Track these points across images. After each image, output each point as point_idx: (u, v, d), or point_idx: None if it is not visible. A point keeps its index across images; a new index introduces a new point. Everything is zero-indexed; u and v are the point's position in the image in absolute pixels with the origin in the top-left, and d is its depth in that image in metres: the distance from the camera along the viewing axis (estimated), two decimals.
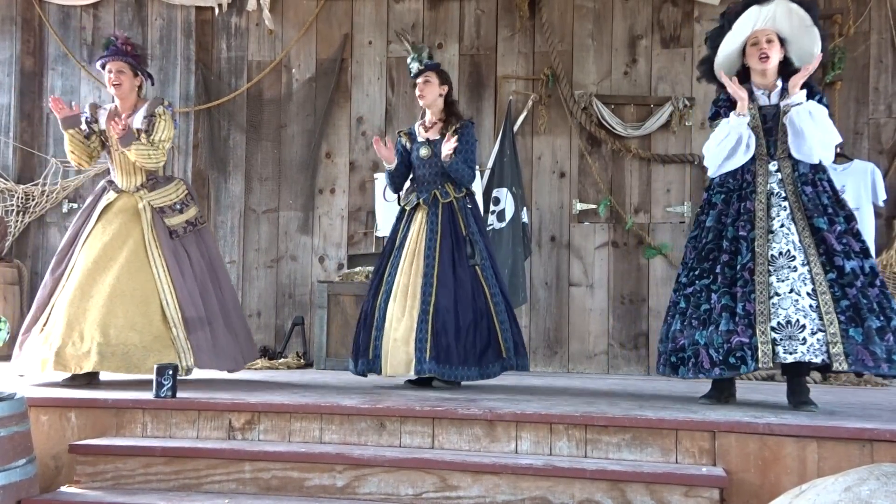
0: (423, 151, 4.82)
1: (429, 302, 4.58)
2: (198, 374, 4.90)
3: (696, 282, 4.06)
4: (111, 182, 4.88)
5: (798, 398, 3.98)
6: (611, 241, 6.61)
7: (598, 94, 6.63)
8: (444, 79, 4.87)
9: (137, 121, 4.76)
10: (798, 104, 3.97)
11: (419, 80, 4.85)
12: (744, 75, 4.21)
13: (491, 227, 6.43)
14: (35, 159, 7.29)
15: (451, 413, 3.65)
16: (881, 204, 6.08)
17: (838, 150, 6.11)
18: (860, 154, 6.25)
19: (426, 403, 3.83)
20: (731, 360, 3.83)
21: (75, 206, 7.21)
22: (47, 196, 7.13)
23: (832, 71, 6.24)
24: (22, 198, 7.11)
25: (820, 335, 3.73)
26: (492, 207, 6.47)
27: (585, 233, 6.65)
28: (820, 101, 4.05)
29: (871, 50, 6.34)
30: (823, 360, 3.73)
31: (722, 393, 4.19)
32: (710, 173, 4.21)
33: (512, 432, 3.60)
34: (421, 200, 4.81)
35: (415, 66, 4.86)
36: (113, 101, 4.97)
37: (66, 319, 4.46)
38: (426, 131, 4.89)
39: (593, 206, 6.61)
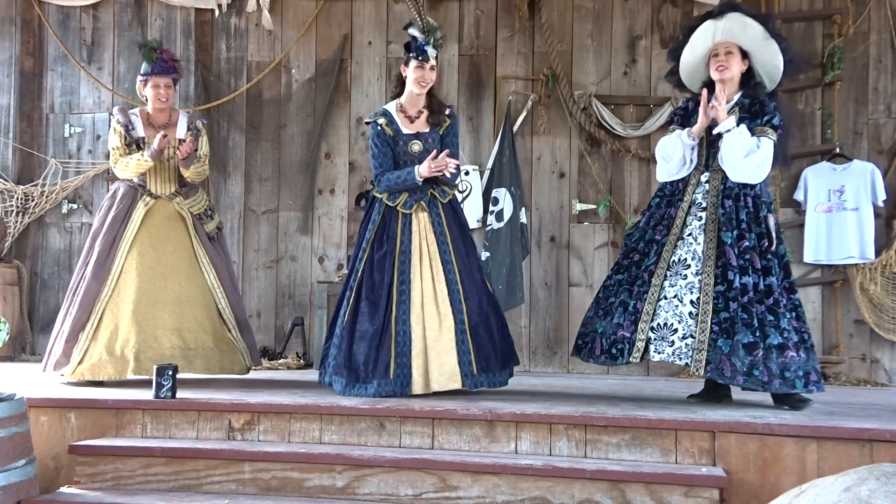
0: (416, 147, 4.41)
1: (461, 311, 4.27)
2: (198, 374, 4.90)
3: (614, 276, 4.33)
4: (143, 187, 4.91)
5: (793, 397, 4.01)
6: (610, 242, 6.60)
7: (597, 94, 6.62)
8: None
9: (181, 132, 4.90)
10: (727, 131, 4.09)
11: (426, 66, 4.36)
12: (711, 86, 4.30)
13: (489, 227, 6.43)
14: (34, 160, 7.28)
15: (450, 413, 3.66)
16: (881, 204, 6.09)
17: (838, 150, 6.20)
18: (860, 154, 6.25)
19: (426, 404, 3.83)
20: (613, 350, 4.13)
21: (75, 206, 7.21)
22: (47, 197, 7.13)
23: (831, 71, 6.24)
24: (21, 198, 7.10)
25: (689, 340, 3.96)
26: (490, 207, 6.48)
27: (585, 233, 6.65)
28: (770, 122, 4.12)
29: (871, 50, 6.34)
30: (687, 363, 3.94)
31: (711, 394, 4.26)
32: (659, 180, 4.41)
33: (512, 432, 3.60)
34: (423, 202, 4.39)
35: (431, 51, 4.35)
36: (125, 108, 5.11)
37: (137, 326, 4.57)
38: (411, 122, 4.44)
39: (593, 207, 6.61)
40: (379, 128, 4.44)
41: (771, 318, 3.93)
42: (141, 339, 4.54)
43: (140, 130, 4.89)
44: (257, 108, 7.08)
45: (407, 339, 4.20)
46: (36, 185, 7.15)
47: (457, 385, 4.19)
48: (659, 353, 4.01)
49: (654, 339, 4.03)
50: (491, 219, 6.46)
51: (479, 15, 6.85)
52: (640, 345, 4.04)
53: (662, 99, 6.55)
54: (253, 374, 5.21)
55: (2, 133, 7.27)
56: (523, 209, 6.50)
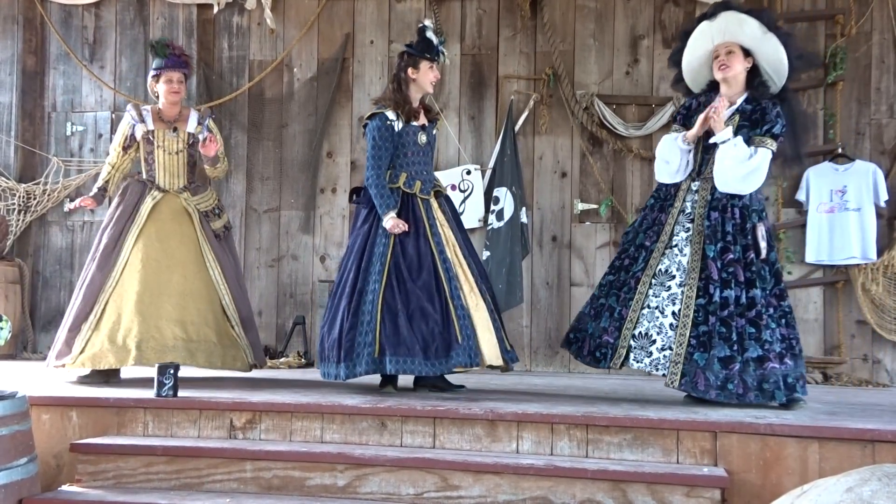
0: (423, 138, 4.57)
1: (484, 291, 4.50)
2: (198, 373, 4.91)
3: (607, 276, 4.41)
4: (152, 181, 4.98)
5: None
6: (612, 241, 6.60)
7: (599, 93, 6.62)
8: None
9: (191, 126, 4.99)
10: (724, 142, 4.11)
11: (434, 67, 4.56)
12: (715, 89, 4.32)
13: (490, 226, 6.44)
14: (36, 158, 7.29)
15: (452, 413, 3.66)
16: (883, 204, 6.08)
17: (840, 150, 6.19)
18: (862, 155, 6.25)
19: (427, 403, 3.83)
20: (597, 353, 4.24)
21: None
22: (48, 195, 7.13)
23: (834, 71, 6.23)
24: (23, 197, 7.10)
25: (667, 352, 4.05)
26: (491, 207, 6.48)
27: (587, 233, 6.65)
28: (769, 131, 4.12)
29: (873, 50, 6.33)
30: (664, 374, 4.03)
31: None
32: (658, 180, 4.42)
33: (513, 432, 3.60)
34: (441, 187, 4.68)
35: (442, 57, 4.61)
36: (142, 104, 5.25)
37: (140, 316, 4.59)
38: (415, 117, 4.59)
39: (594, 206, 6.61)
40: (388, 122, 4.47)
41: (752, 330, 3.98)
42: (143, 329, 4.55)
43: (150, 124, 4.97)
44: (259, 106, 7.08)
45: (466, 314, 4.33)
46: (38, 184, 7.15)
47: (500, 361, 4.39)
48: (637, 361, 4.12)
49: (635, 348, 4.13)
50: (491, 218, 6.46)
51: (482, 14, 6.85)
52: (622, 352, 4.14)
53: (664, 99, 6.54)
54: (254, 373, 5.21)
55: (4, 131, 7.28)
56: (524, 209, 6.50)
